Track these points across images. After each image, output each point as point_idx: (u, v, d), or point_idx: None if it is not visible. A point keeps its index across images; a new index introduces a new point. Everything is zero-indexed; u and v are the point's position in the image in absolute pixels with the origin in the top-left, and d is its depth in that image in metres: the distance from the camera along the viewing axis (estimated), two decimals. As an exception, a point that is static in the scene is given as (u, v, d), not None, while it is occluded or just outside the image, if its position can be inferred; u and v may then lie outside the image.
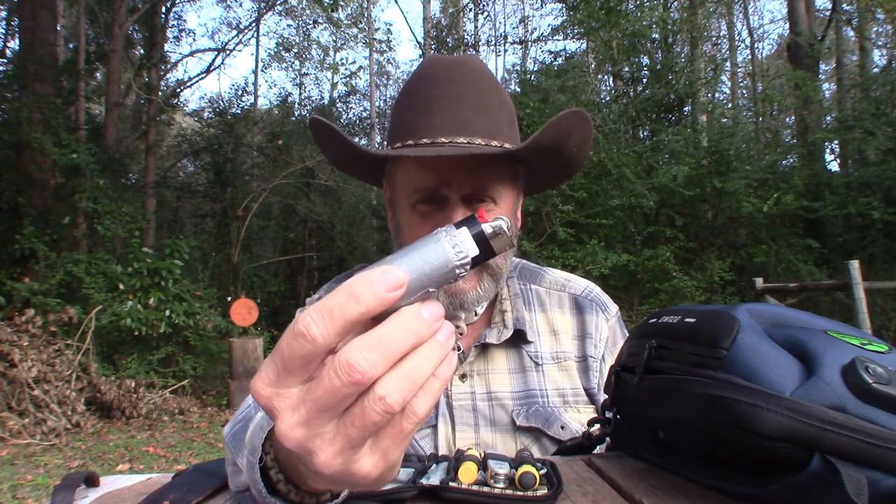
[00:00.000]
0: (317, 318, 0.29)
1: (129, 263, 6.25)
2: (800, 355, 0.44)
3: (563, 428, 0.81)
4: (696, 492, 0.50)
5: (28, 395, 4.69)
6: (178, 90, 12.91)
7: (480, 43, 12.75)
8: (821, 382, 0.41)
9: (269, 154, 11.57)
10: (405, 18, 22.39)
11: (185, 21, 21.83)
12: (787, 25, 11.64)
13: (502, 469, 0.52)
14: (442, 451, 0.79)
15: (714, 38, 13.23)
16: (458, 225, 0.33)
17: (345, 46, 17.77)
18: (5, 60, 9.15)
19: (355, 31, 16.96)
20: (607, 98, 10.71)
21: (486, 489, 0.50)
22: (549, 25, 15.36)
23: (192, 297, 6.67)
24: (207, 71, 13.10)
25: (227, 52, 13.67)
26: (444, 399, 0.83)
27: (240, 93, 13.46)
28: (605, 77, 11.77)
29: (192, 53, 14.45)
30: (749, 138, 9.78)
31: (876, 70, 11.83)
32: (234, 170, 10.82)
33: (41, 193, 6.88)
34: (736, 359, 0.45)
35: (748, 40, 17.69)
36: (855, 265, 5.15)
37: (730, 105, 13.81)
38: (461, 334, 0.85)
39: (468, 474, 0.51)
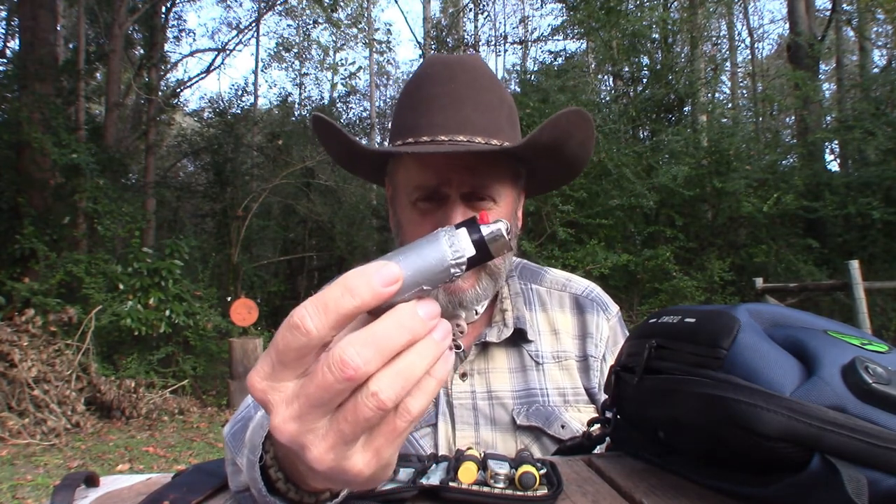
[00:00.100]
0: (311, 311, 0.29)
1: (129, 263, 6.25)
2: (800, 355, 0.44)
3: (563, 427, 0.81)
4: (696, 492, 0.50)
5: (28, 395, 4.69)
6: (178, 90, 12.91)
7: (480, 43, 12.76)
8: (821, 382, 0.41)
9: (269, 154, 11.57)
10: (405, 18, 22.42)
11: (185, 21, 21.85)
12: (787, 25, 11.66)
13: (502, 469, 0.52)
14: (442, 450, 0.80)
15: (714, 38, 13.24)
16: (459, 226, 0.33)
17: (345, 46, 17.79)
18: (5, 60, 9.16)
19: (355, 31, 16.97)
20: (607, 98, 10.71)
21: (486, 489, 0.50)
22: (549, 25, 15.36)
23: (192, 297, 6.67)
24: (207, 71, 13.11)
25: (227, 52, 13.68)
26: (444, 398, 0.83)
27: (240, 93, 13.48)
28: (605, 77, 11.78)
29: (192, 53, 14.47)
30: (749, 138, 9.78)
31: (876, 70, 11.83)
32: (234, 170, 10.82)
33: (41, 193, 6.88)
34: (736, 359, 0.45)
35: (748, 40, 17.72)
36: (855, 265, 5.15)
37: (730, 105, 13.82)
38: (462, 333, 0.85)
39: (468, 474, 0.51)
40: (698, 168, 8.67)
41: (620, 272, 7.84)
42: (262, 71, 16.56)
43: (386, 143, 0.88)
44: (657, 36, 9.95)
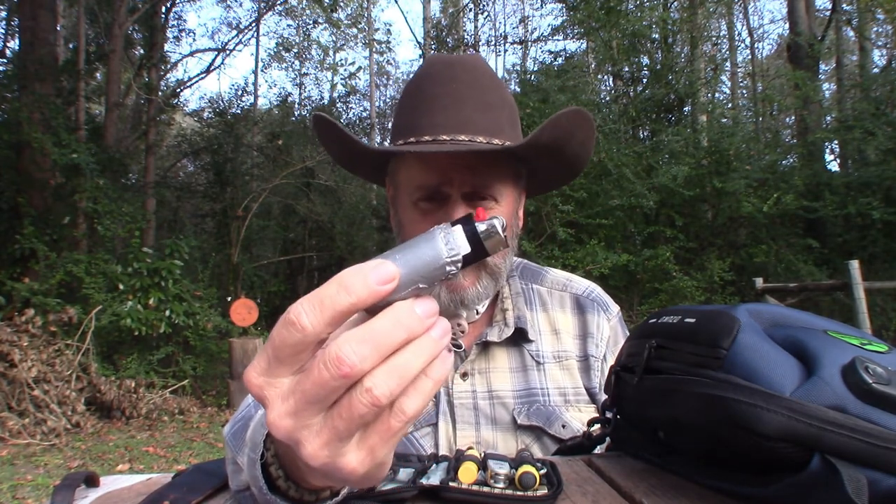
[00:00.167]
0: (307, 308, 0.29)
1: (129, 263, 6.25)
2: (800, 355, 0.44)
3: (564, 427, 0.81)
4: (696, 492, 0.50)
5: (28, 395, 4.69)
6: (178, 90, 12.92)
7: (480, 43, 12.76)
8: (821, 382, 0.41)
9: (269, 154, 11.57)
10: (405, 18, 22.43)
11: (185, 21, 21.86)
12: (787, 25, 11.66)
13: (502, 469, 0.52)
14: (442, 450, 0.80)
15: (714, 38, 13.24)
16: (455, 223, 0.33)
17: (345, 46, 17.80)
18: (5, 60, 9.16)
19: (355, 31, 16.97)
20: (607, 98, 10.72)
21: (486, 489, 0.50)
22: (549, 25, 15.37)
23: (192, 297, 6.67)
24: (207, 71, 13.12)
25: (227, 52, 13.68)
26: (445, 397, 0.83)
27: (240, 93, 13.48)
28: (605, 77, 11.77)
29: (192, 53, 14.46)
30: (749, 138, 9.78)
31: (876, 70, 11.84)
32: (234, 170, 10.83)
33: (41, 193, 6.88)
34: (736, 359, 0.45)
35: (748, 40, 17.72)
36: (855, 265, 5.15)
37: (730, 105, 13.82)
38: (463, 332, 0.86)
39: (468, 474, 0.51)
40: (698, 168, 8.67)
41: (620, 272, 7.84)
42: (262, 71, 16.58)
43: (387, 143, 0.88)
44: (657, 36, 9.95)
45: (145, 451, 4.49)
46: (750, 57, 18.11)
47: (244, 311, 6.46)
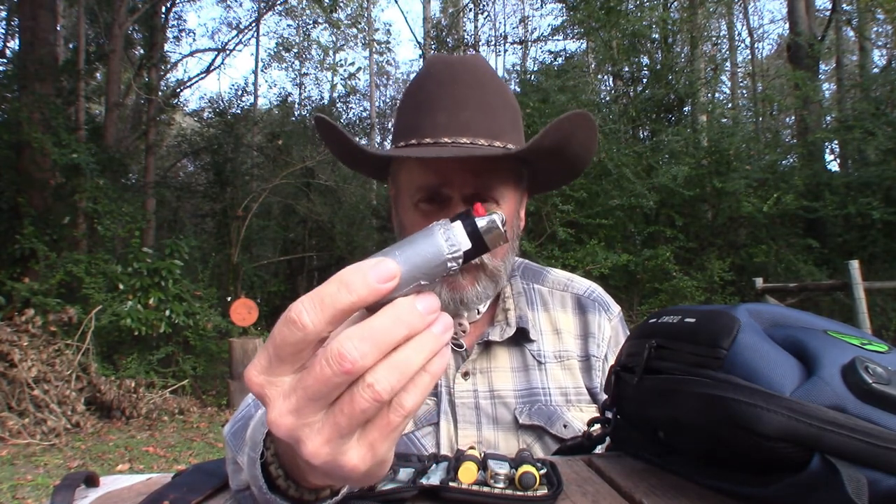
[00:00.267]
0: (308, 306, 0.29)
1: (129, 263, 6.25)
2: (800, 355, 0.44)
3: (565, 426, 0.81)
4: (696, 492, 0.50)
5: (28, 395, 4.69)
6: (178, 90, 12.92)
7: (480, 43, 12.76)
8: (821, 382, 0.41)
9: (269, 154, 11.58)
10: (405, 18, 22.42)
11: (185, 21, 21.87)
12: (787, 25, 11.65)
13: (502, 469, 0.52)
14: (444, 450, 0.80)
15: (714, 38, 13.24)
16: (454, 219, 0.33)
17: (344, 47, 17.80)
18: (5, 60, 9.16)
19: (355, 31, 16.97)
20: (607, 98, 10.72)
21: (486, 489, 0.50)
22: (549, 25, 15.38)
23: (192, 297, 6.67)
24: (207, 71, 13.11)
25: (227, 52, 13.68)
26: (446, 397, 0.83)
27: (240, 93, 13.50)
28: (605, 77, 11.78)
29: (192, 53, 14.48)
30: (749, 138, 9.78)
31: (876, 70, 11.84)
32: (234, 170, 10.83)
33: (41, 193, 6.88)
34: (736, 359, 0.45)
35: (748, 40, 17.72)
36: (855, 265, 5.15)
37: (730, 105, 13.82)
38: (464, 332, 0.86)
39: (468, 474, 0.51)
40: (698, 168, 8.67)
41: (620, 272, 7.84)
42: (262, 71, 16.59)
43: (387, 144, 0.88)
44: (657, 36, 9.95)
45: (145, 451, 4.49)
46: (750, 57, 18.12)
47: (244, 311, 6.46)
